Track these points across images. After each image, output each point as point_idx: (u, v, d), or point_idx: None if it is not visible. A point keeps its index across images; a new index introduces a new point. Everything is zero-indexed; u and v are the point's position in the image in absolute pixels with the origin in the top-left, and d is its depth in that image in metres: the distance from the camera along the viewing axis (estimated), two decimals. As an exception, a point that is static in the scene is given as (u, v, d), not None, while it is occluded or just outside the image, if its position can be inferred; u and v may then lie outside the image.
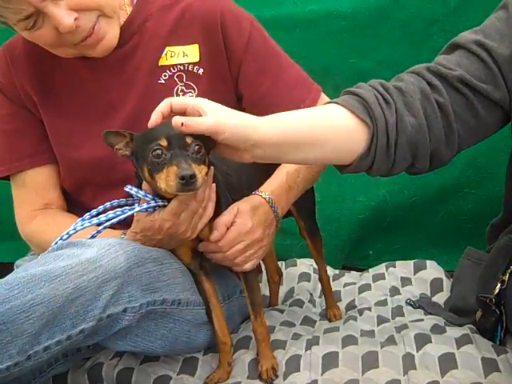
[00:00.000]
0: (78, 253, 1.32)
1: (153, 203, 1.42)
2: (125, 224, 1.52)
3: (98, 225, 1.46)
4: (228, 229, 1.50)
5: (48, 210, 1.74)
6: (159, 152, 1.32)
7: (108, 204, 1.48)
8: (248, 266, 1.55)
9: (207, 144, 1.34)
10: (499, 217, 1.79)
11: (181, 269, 1.56)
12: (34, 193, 1.73)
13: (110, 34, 1.57)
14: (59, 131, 1.70)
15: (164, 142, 1.32)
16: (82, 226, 1.45)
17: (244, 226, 1.50)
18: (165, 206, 1.42)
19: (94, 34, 1.54)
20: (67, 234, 1.44)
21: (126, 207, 1.47)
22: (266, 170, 1.64)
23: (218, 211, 1.50)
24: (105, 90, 1.65)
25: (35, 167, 1.73)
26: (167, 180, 1.30)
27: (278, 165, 1.66)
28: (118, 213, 1.45)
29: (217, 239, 1.49)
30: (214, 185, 1.48)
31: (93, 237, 1.47)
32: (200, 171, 1.31)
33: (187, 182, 1.27)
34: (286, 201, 1.63)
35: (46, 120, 1.71)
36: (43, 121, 1.71)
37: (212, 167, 1.44)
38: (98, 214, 1.48)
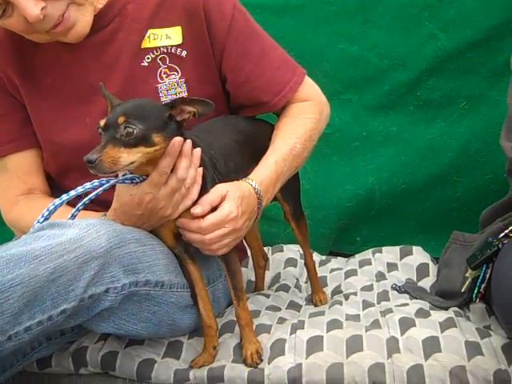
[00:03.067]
0: (59, 233, 1.32)
1: (129, 175, 1.43)
2: (106, 206, 1.52)
3: (78, 197, 1.46)
4: (213, 210, 1.48)
5: (31, 195, 1.73)
6: (99, 132, 1.38)
7: (88, 184, 1.45)
8: (220, 253, 1.53)
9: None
10: (503, 200, 1.80)
11: (164, 251, 1.56)
12: (17, 178, 1.72)
13: (81, 21, 1.55)
14: (42, 115, 1.69)
15: (103, 122, 1.37)
16: (60, 200, 1.43)
17: (230, 212, 1.48)
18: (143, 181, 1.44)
19: (63, 22, 1.52)
20: (47, 210, 1.43)
21: (103, 179, 1.46)
22: (253, 156, 1.64)
23: (203, 194, 1.49)
24: (86, 73, 1.64)
25: (18, 152, 1.72)
26: None
27: (264, 152, 1.65)
28: (95, 184, 1.45)
29: (197, 215, 1.47)
30: (200, 169, 1.47)
31: (73, 216, 1.47)
32: (118, 153, 1.33)
33: (91, 166, 1.31)
34: (272, 192, 1.62)
35: (28, 104, 1.70)
36: (26, 105, 1.70)
37: (199, 149, 1.46)
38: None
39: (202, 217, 1.47)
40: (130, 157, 1.35)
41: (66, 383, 1.63)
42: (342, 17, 2.28)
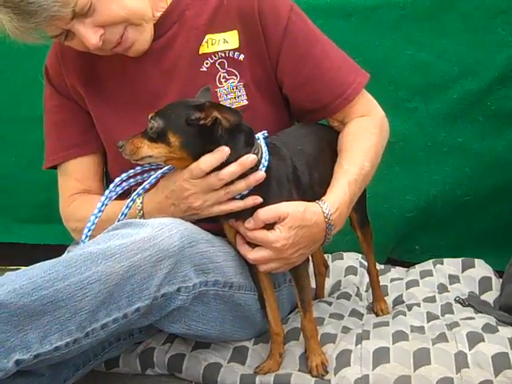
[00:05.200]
0: (133, 232, 1.35)
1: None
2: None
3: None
4: (266, 226, 1.46)
5: (86, 194, 1.76)
6: None
7: (131, 171, 1.55)
8: (262, 270, 1.52)
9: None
10: None
11: (232, 253, 1.57)
12: (74, 179, 1.76)
13: (140, 40, 1.58)
14: (105, 120, 1.72)
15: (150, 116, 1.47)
16: (116, 189, 1.55)
17: (275, 241, 1.45)
18: None
19: (122, 43, 1.55)
20: (102, 203, 1.52)
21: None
22: (333, 166, 1.62)
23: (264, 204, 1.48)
24: (148, 79, 1.66)
25: (79, 157, 1.75)
26: None
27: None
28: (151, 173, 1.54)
29: (247, 227, 1.47)
30: (248, 182, 1.45)
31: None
32: (140, 143, 1.43)
33: (120, 151, 1.46)
34: (345, 216, 1.58)
35: (92, 110, 1.73)
36: (89, 112, 1.74)
37: (263, 174, 1.46)
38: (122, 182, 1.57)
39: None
40: (148, 150, 1.42)
41: (132, 383, 1.65)
42: (411, 22, 2.24)
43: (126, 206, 1.53)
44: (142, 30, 1.57)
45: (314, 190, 1.55)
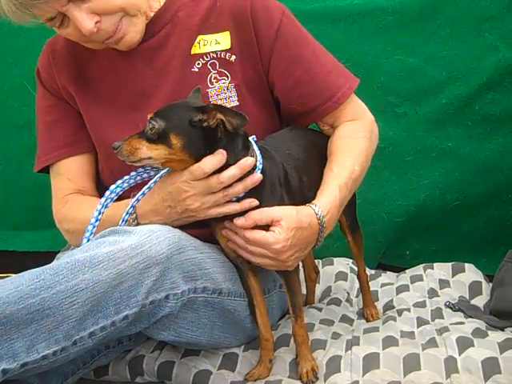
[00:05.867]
0: (120, 240, 1.34)
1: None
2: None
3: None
4: (260, 227, 1.46)
5: (79, 195, 1.75)
6: None
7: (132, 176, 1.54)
8: (256, 262, 1.51)
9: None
10: None
11: (221, 259, 1.57)
12: (67, 180, 1.75)
13: (132, 31, 1.58)
14: (96, 120, 1.72)
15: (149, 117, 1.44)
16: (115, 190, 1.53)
17: (275, 242, 1.44)
18: None
19: (115, 35, 1.56)
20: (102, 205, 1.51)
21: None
22: (322, 170, 1.62)
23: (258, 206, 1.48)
24: (138, 79, 1.66)
25: (71, 156, 1.75)
26: None
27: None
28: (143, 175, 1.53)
29: (237, 224, 1.46)
30: (245, 185, 1.45)
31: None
32: (138, 145, 1.40)
33: (115, 152, 1.42)
34: (335, 220, 1.59)
35: (82, 110, 1.73)
36: (80, 112, 1.73)
37: (260, 176, 1.46)
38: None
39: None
40: (147, 151, 1.39)
41: (122, 391, 1.65)
42: (400, 27, 2.24)
43: (127, 213, 1.51)
44: (135, 21, 1.57)
45: (304, 194, 1.56)
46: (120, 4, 1.52)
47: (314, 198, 1.55)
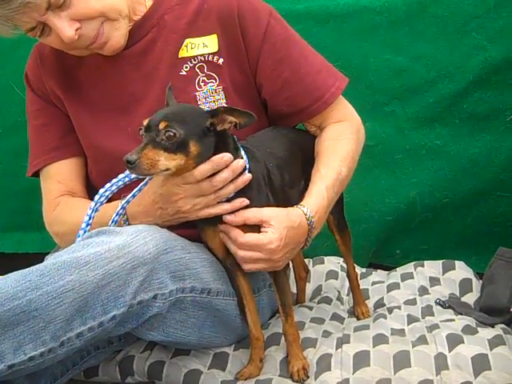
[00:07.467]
0: (107, 240, 1.34)
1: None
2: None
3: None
4: (249, 230, 1.46)
5: (70, 197, 1.75)
6: (141, 132, 1.37)
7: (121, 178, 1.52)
8: (247, 268, 1.51)
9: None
10: None
11: (209, 259, 1.56)
12: (57, 182, 1.75)
13: (115, 36, 1.57)
14: (85, 125, 1.71)
15: (145, 122, 1.37)
16: (105, 193, 1.50)
17: (269, 242, 1.45)
18: None
19: (97, 40, 1.55)
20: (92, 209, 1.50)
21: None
22: (303, 168, 1.63)
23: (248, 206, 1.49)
24: (127, 83, 1.66)
25: (61, 160, 1.75)
26: None
27: (312, 164, 1.64)
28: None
29: (226, 220, 1.47)
30: (237, 185, 1.46)
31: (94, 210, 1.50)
32: (157, 156, 1.32)
33: (131, 167, 1.31)
34: (323, 221, 1.60)
35: (71, 114, 1.73)
36: (69, 115, 1.73)
37: (249, 175, 1.46)
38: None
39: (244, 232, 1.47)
40: (166, 162, 1.35)
41: (112, 392, 1.65)
42: (388, 27, 2.24)
43: (116, 214, 1.52)
44: (117, 25, 1.56)
45: (285, 191, 1.56)
46: (100, 8, 1.51)
47: (295, 195, 1.57)
